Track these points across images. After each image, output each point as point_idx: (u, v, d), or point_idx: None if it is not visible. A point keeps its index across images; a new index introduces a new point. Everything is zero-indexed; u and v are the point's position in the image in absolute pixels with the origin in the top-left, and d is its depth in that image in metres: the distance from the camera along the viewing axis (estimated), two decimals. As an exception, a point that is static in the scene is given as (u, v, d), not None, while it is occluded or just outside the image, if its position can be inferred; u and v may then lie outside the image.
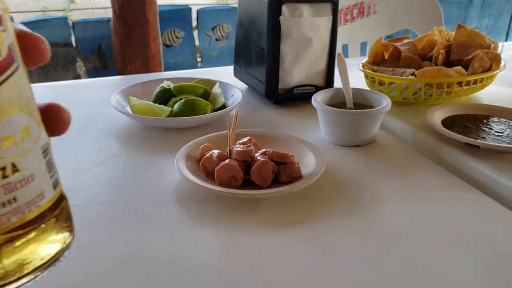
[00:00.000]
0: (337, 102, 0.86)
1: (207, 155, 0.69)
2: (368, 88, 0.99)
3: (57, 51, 3.07)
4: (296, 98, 0.99)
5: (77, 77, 3.19)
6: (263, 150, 0.69)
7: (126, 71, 2.94)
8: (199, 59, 3.71)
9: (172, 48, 3.47)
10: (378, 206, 0.63)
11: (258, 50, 0.97)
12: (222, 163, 0.65)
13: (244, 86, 1.10)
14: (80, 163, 0.75)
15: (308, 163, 0.70)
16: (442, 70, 0.89)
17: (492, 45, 0.99)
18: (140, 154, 0.79)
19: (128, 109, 0.88)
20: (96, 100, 1.04)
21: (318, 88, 0.99)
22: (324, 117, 0.82)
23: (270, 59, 0.94)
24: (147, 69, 2.96)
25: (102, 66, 3.24)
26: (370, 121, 0.79)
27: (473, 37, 0.98)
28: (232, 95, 0.97)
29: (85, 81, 1.22)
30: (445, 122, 0.83)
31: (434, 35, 1.05)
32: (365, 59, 1.03)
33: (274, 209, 0.62)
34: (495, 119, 0.85)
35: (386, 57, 1.04)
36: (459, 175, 0.71)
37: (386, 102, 0.80)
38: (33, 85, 0.30)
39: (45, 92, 1.12)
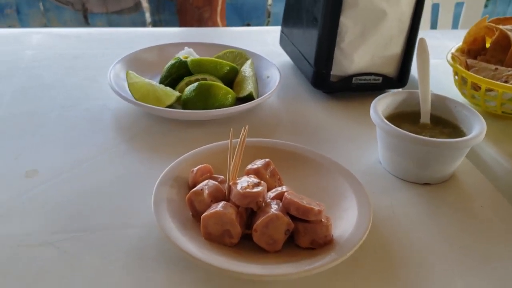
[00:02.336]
0: (408, 111, 0.61)
1: (198, 187, 0.47)
2: (455, 88, 0.72)
3: (115, -25, 2.86)
4: (354, 89, 0.73)
5: (138, 4, 3.00)
6: (278, 190, 0.47)
7: (187, 3, 2.71)
8: (270, -5, 3.38)
9: (241, -19, 3.17)
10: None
11: (311, 19, 0.71)
12: (213, 209, 0.44)
13: (289, 61, 0.84)
14: (40, 163, 0.56)
15: (345, 214, 0.47)
16: None
17: None
18: (129, 156, 0.58)
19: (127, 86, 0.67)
20: (105, 60, 0.82)
21: (386, 79, 0.73)
22: (384, 139, 0.57)
23: (324, 35, 0.69)
24: (210, 4, 2.70)
25: (165, -7, 3.01)
26: (452, 154, 0.54)
27: None
28: (268, 77, 0.73)
29: (103, 30, 1.00)
30: None
31: None
32: (457, 45, 0.75)
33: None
34: None
35: (488, 45, 0.75)
36: None
37: (479, 128, 0.54)
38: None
39: (48, 39, 0.91)
